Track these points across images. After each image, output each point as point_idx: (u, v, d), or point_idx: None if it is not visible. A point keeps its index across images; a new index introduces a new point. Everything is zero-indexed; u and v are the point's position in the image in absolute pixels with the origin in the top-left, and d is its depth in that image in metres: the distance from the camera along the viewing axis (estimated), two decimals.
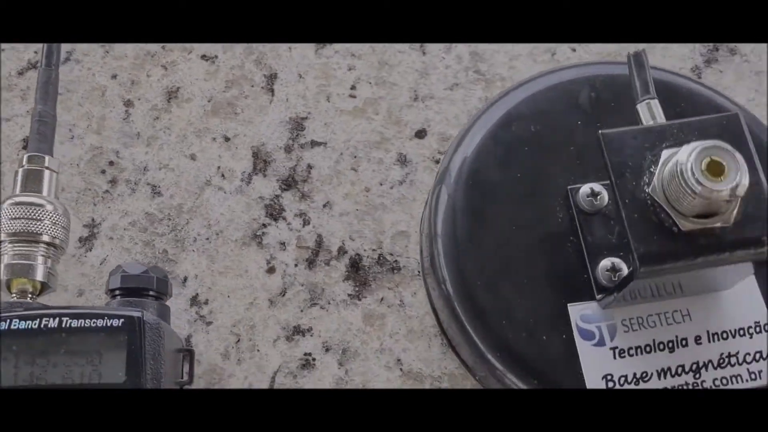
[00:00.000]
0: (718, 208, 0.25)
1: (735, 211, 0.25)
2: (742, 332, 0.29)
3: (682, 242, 0.25)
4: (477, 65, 0.36)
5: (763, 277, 0.30)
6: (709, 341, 0.29)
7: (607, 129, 0.26)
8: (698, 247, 0.25)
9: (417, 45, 0.37)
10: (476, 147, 0.32)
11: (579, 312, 0.29)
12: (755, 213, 0.25)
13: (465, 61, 0.36)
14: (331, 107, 0.35)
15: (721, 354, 0.29)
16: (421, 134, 0.35)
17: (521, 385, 0.29)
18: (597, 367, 0.29)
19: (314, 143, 0.35)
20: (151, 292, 0.30)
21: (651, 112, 0.28)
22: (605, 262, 0.29)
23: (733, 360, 0.29)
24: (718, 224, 0.25)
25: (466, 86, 0.36)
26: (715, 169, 0.24)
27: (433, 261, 0.31)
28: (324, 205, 0.34)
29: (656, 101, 0.28)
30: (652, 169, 0.25)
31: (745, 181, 0.24)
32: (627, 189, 0.25)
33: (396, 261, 0.33)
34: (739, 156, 0.24)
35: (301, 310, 0.32)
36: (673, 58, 0.37)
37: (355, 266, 0.33)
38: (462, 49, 0.37)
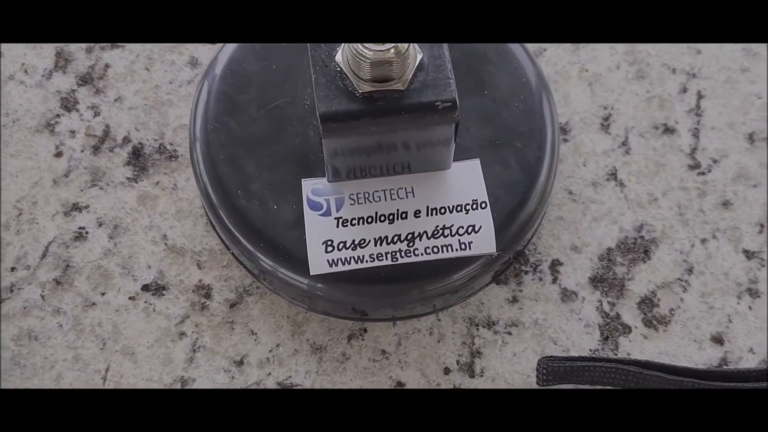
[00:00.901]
0: (390, 72, 0.27)
1: (410, 77, 0.28)
2: (459, 208, 0.32)
3: (360, 103, 0.28)
4: None
5: (488, 161, 0.33)
6: (428, 215, 0.32)
7: None
8: (376, 107, 0.28)
9: None
10: (239, 45, 0.35)
11: (311, 186, 0.32)
12: (434, 82, 0.28)
13: None
14: None
15: (437, 226, 0.32)
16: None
17: (254, 250, 0.32)
18: (320, 234, 0.32)
19: (114, 46, 0.38)
20: None
21: None
22: None
23: (447, 232, 0.32)
24: (395, 87, 0.28)
25: None
26: None
27: (190, 145, 0.34)
28: (115, 100, 0.37)
29: None
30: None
31: (401, 44, 0.27)
32: (320, 59, 0.28)
33: (175, 150, 0.36)
34: None
35: (81, 190, 0.35)
36: None
37: (137, 153, 0.36)
38: None
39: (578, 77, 0.38)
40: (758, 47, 0.39)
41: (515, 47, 0.35)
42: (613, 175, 0.37)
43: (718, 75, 0.38)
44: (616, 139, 0.37)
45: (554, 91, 0.38)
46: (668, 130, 0.37)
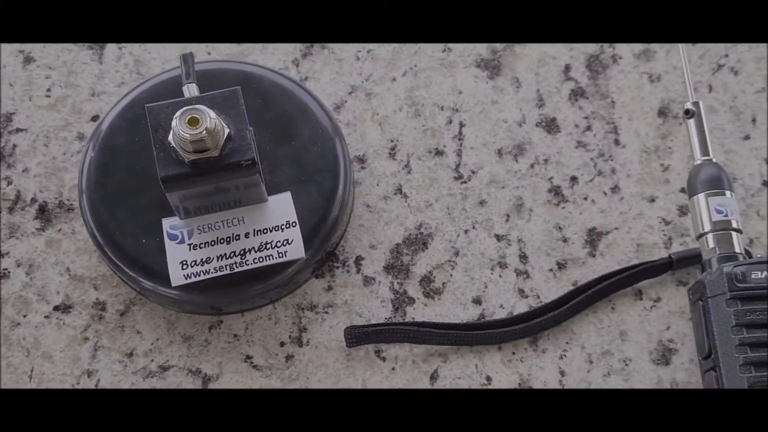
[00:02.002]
0: (206, 145, 0.40)
1: (222, 146, 0.41)
2: (276, 228, 0.45)
3: (188, 167, 0.41)
4: (138, 69, 0.52)
5: (297, 192, 0.46)
6: (254, 235, 0.45)
7: (153, 103, 0.42)
8: (198, 170, 0.41)
9: (97, 56, 0.52)
10: (112, 120, 0.47)
11: (169, 223, 0.45)
12: (239, 148, 0.41)
13: (130, 66, 0.52)
14: (32, 104, 0.51)
15: (261, 243, 0.45)
16: (95, 118, 0.50)
17: (133, 274, 0.45)
18: (177, 257, 0.44)
19: (18, 130, 0.50)
20: None
21: (189, 91, 0.43)
22: None
23: (269, 246, 0.45)
24: (212, 155, 0.41)
25: (129, 83, 0.51)
26: (193, 121, 0.40)
27: (79, 199, 0.46)
28: (23, 171, 0.49)
29: (194, 85, 0.44)
30: (173, 126, 0.41)
31: (210, 126, 0.40)
32: (159, 139, 0.41)
33: (71, 204, 0.49)
34: (210, 112, 0.40)
35: (2, 242, 0.47)
36: (279, 53, 0.53)
37: (42, 209, 0.48)
38: (128, 57, 0.52)
39: (371, 120, 0.52)
40: (504, 83, 0.53)
41: (315, 106, 0.48)
42: (399, 190, 0.50)
43: (475, 108, 0.52)
44: (400, 163, 0.51)
45: (353, 132, 0.51)
46: (439, 153, 0.51)
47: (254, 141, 0.42)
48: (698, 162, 0.46)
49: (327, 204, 0.46)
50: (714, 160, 0.46)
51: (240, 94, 0.42)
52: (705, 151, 0.47)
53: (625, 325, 0.47)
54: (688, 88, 0.48)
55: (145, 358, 0.46)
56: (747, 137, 0.51)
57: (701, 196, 0.45)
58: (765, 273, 0.43)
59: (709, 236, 0.45)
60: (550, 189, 0.50)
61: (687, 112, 0.47)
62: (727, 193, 0.45)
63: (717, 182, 0.45)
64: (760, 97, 0.52)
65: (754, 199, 0.50)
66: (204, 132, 0.40)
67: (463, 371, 0.46)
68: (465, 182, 0.50)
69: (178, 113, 0.39)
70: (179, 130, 0.40)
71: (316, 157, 0.47)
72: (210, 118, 0.40)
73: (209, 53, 0.53)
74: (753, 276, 0.43)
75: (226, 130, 0.41)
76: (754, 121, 0.52)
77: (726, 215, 0.45)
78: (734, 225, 0.45)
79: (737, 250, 0.44)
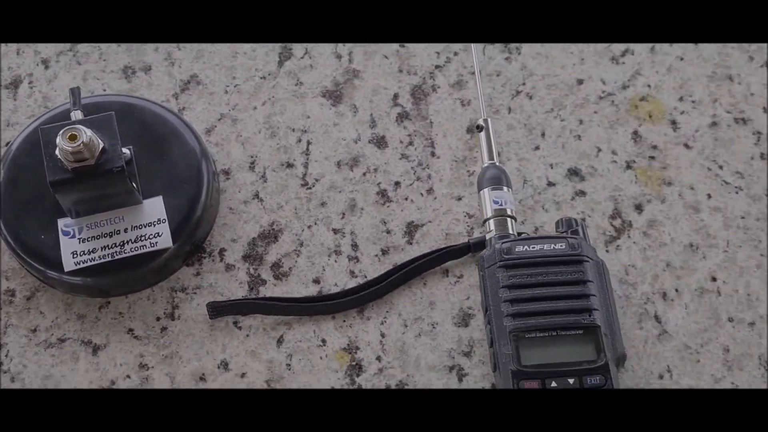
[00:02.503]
0: (84, 156, 0.52)
1: (98, 156, 0.53)
2: (149, 224, 0.57)
3: (71, 174, 0.52)
4: (46, 103, 0.64)
5: (167, 196, 0.58)
6: (131, 230, 0.57)
7: (45, 126, 0.54)
8: (80, 175, 0.53)
9: (12, 94, 0.64)
10: (19, 143, 0.59)
11: (63, 222, 0.57)
12: (112, 157, 0.53)
13: (39, 101, 0.64)
14: None
15: (137, 236, 0.57)
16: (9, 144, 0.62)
17: (36, 265, 0.56)
18: (69, 249, 0.56)
19: None
20: None
21: (74, 116, 0.55)
22: None
23: (143, 238, 0.57)
24: (89, 163, 0.53)
25: (37, 114, 0.63)
26: (73, 137, 0.51)
27: None
28: None
29: (79, 111, 0.56)
30: (57, 141, 0.53)
31: (86, 141, 0.52)
32: (49, 153, 0.53)
33: None
34: (86, 130, 0.52)
35: None
36: (162, 89, 0.65)
37: None
38: (38, 95, 0.64)
39: (235, 140, 0.64)
40: (344, 109, 0.65)
41: (185, 130, 0.61)
42: (256, 195, 0.62)
43: (319, 129, 0.65)
44: (258, 174, 0.63)
45: (221, 151, 0.63)
46: (289, 165, 0.63)
47: (133, 156, 0.55)
48: (485, 165, 0.59)
49: (192, 206, 0.58)
50: (497, 164, 0.59)
51: (113, 118, 0.54)
52: (491, 156, 0.60)
53: (434, 296, 0.60)
54: (482, 108, 0.61)
55: (46, 333, 0.57)
56: (537, 148, 0.65)
57: (485, 191, 0.58)
58: (526, 247, 0.55)
59: (491, 221, 0.58)
60: (378, 192, 0.63)
61: (478, 127, 0.61)
62: (505, 188, 0.58)
63: (497, 180, 0.59)
64: (549, 116, 0.66)
65: (540, 196, 0.63)
66: (81, 145, 0.52)
67: (304, 336, 0.58)
68: (310, 188, 0.63)
69: (61, 132, 0.51)
70: (62, 144, 0.51)
71: (184, 170, 0.59)
72: (86, 134, 0.52)
73: (104, 90, 0.65)
74: (517, 249, 0.55)
75: (101, 145, 0.53)
76: (543, 135, 0.65)
77: (502, 205, 0.58)
78: (509, 212, 0.58)
79: (510, 231, 0.57)
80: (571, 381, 0.52)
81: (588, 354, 0.53)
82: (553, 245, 0.56)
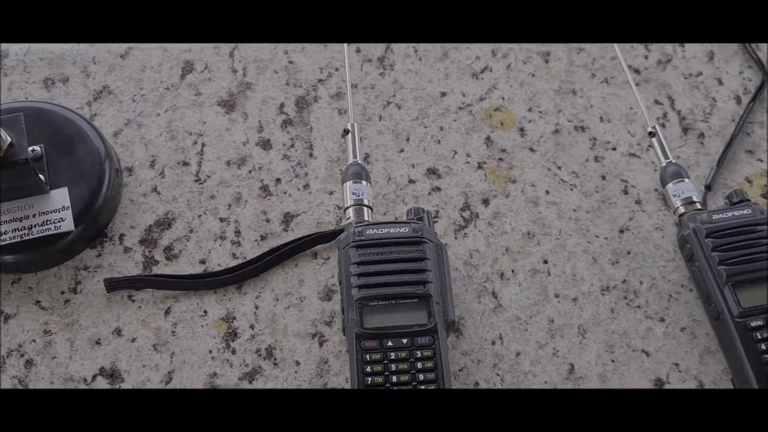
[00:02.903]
0: None
1: (5, 150, 0.62)
2: (55, 211, 0.66)
3: None
4: None
5: (72, 188, 0.67)
6: (39, 215, 0.66)
7: None
8: None
9: None
10: None
11: None
12: (17, 151, 0.63)
13: None
14: None
15: (43, 220, 0.66)
16: None
17: None
18: None
19: None
20: None
21: None
22: None
23: (49, 222, 0.66)
24: None
25: None
26: None
27: None
28: None
29: None
30: None
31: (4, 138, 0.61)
32: None
33: None
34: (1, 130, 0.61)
35: None
36: (77, 98, 0.75)
37: None
38: None
39: (139, 142, 0.74)
40: (236, 116, 0.75)
41: (92, 132, 0.70)
42: (154, 189, 0.72)
43: (214, 133, 0.75)
44: (157, 171, 0.73)
45: (125, 151, 0.73)
46: (186, 164, 0.73)
47: (44, 153, 0.65)
48: (349, 162, 0.69)
49: (93, 196, 0.68)
50: (359, 162, 0.69)
51: (21, 118, 0.64)
52: (354, 155, 0.70)
53: (304, 275, 0.69)
54: (350, 115, 0.71)
55: None
56: (402, 150, 0.75)
57: (347, 184, 0.68)
58: (376, 230, 0.65)
59: (350, 209, 0.67)
60: (261, 187, 0.73)
61: (345, 130, 0.71)
62: (364, 182, 0.68)
63: (358, 175, 0.68)
64: (414, 123, 0.76)
65: (402, 192, 0.73)
66: None
67: (188, 308, 0.67)
68: (202, 183, 0.73)
69: None
70: None
71: (88, 166, 0.69)
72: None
73: (26, 98, 0.75)
74: (368, 232, 0.65)
75: (8, 140, 0.63)
76: (407, 139, 0.75)
77: (359, 196, 0.68)
78: (366, 203, 0.68)
79: (366, 218, 0.67)
80: (404, 341, 0.61)
81: (420, 319, 0.62)
82: (398, 229, 0.65)
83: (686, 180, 0.69)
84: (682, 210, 0.68)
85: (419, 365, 0.60)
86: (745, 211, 0.66)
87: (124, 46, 0.79)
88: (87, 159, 0.69)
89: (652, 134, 0.71)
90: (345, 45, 0.76)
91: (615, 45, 0.77)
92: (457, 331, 0.67)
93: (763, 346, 0.61)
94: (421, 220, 0.67)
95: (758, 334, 0.62)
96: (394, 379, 0.60)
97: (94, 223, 0.68)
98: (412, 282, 0.63)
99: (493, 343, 0.67)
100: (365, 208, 0.67)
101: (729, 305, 0.63)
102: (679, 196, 0.68)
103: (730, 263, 0.64)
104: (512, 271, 0.70)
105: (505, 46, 0.80)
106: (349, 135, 0.70)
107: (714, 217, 0.66)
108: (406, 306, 0.63)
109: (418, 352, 0.61)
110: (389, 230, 0.65)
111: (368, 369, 0.60)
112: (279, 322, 0.67)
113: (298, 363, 0.65)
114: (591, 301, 0.68)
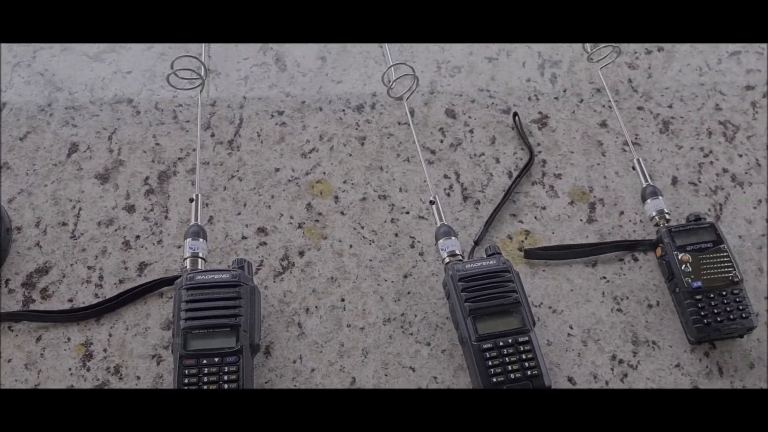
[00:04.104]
0: None
1: None
2: None
3: None
4: None
5: None
6: None
7: None
8: None
9: None
10: None
11: None
12: None
13: None
14: None
15: None
16: None
17: None
18: None
19: None
20: None
21: None
22: None
23: None
24: None
25: None
26: None
27: None
28: None
29: None
30: None
31: None
32: None
33: None
34: None
35: None
36: None
37: None
38: None
39: (29, 207, 0.93)
40: (110, 186, 0.95)
41: None
42: (37, 244, 0.91)
43: (90, 200, 0.94)
44: (41, 230, 0.92)
45: (17, 214, 0.92)
46: (64, 224, 0.92)
47: None
48: (192, 223, 0.89)
49: None
50: (198, 224, 0.89)
51: None
52: (196, 218, 0.89)
53: (150, 310, 0.88)
54: (197, 187, 0.91)
55: None
56: (239, 213, 0.95)
57: (187, 240, 0.87)
58: (203, 276, 0.84)
59: (187, 260, 0.86)
60: (123, 242, 0.92)
61: (191, 199, 0.90)
62: (200, 240, 0.88)
63: (196, 234, 0.88)
64: (251, 192, 0.96)
65: (236, 246, 0.93)
66: None
67: (56, 336, 0.86)
68: (76, 239, 0.92)
69: None
70: None
71: None
72: None
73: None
74: (197, 278, 0.84)
75: None
76: (245, 205, 0.95)
77: (195, 250, 0.87)
78: (200, 255, 0.87)
79: (199, 267, 0.86)
80: (216, 360, 0.80)
81: (230, 343, 0.81)
82: (221, 275, 0.85)
83: (453, 238, 0.89)
84: (447, 260, 0.88)
85: (225, 377, 0.79)
86: (492, 262, 0.87)
87: (24, 129, 0.99)
88: None
89: (432, 202, 0.92)
90: (199, 130, 0.96)
91: (413, 131, 0.98)
92: (267, 352, 0.86)
93: (490, 363, 0.81)
94: (242, 269, 0.87)
95: (488, 354, 0.81)
96: (206, 387, 0.78)
97: None
98: (226, 315, 0.82)
99: (294, 361, 0.85)
100: (199, 260, 0.87)
101: (470, 332, 0.82)
102: (446, 249, 0.89)
103: (471, 301, 0.84)
104: (316, 307, 0.89)
105: (330, 132, 1.02)
106: (194, 203, 0.90)
107: (467, 266, 0.86)
108: (220, 333, 0.81)
109: (226, 368, 0.80)
110: (213, 276, 0.84)
111: (186, 381, 0.78)
112: (127, 347, 0.85)
113: (138, 377, 0.83)
114: (375, 330, 0.87)
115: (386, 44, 1.07)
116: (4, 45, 1.05)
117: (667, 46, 1.12)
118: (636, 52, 1.11)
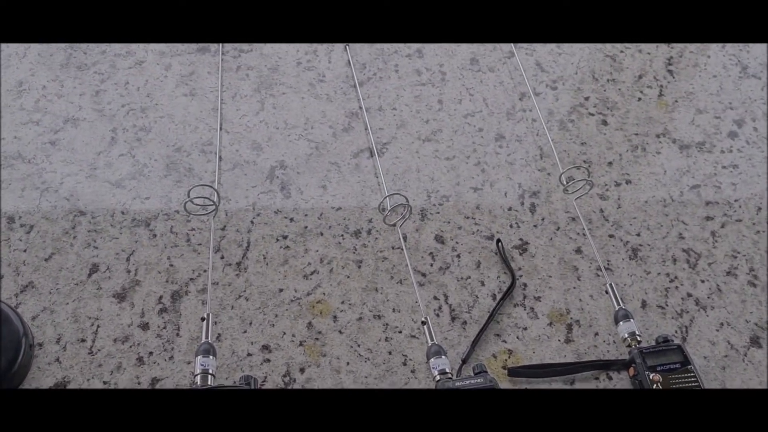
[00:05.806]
0: None
1: None
2: None
3: None
4: None
5: None
6: None
7: None
8: None
9: None
10: None
11: None
12: None
13: None
14: None
15: None
16: None
17: None
18: None
19: None
20: None
21: None
22: None
23: None
24: None
25: None
26: None
27: None
28: None
29: None
30: None
31: None
32: None
33: None
34: None
35: None
36: (7, 290, 1.02)
37: None
38: None
39: (50, 324, 1.01)
40: (127, 305, 1.03)
41: (14, 317, 0.97)
42: (57, 359, 0.98)
43: (107, 318, 1.02)
44: (61, 346, 0.99)
45: (39, 330, 1.00)
46: (83, 341, 1.00)
47: None
48: (202, 341, 0.97)
49: (10, 365, 0.94)
50: (209, 341, 0.97)
51: None
52: (207, 336, 0.97)
53: None
54: (208, 307, 1.00)
55: None
56: (245, 331, 1.03)
57: (198, 357, 0.95)
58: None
59: (198, 377, 0.94)
60: (137, 358, 0.99)
61: (202, 318, 0.98)
62: (210, 357, 0.96)
63: (206, 351, 0.96)
64: (256, 312, 1.04)
65: (242, 362, 1.00)
66: None
67: None
68: (93, 355, 0.99)
69: None
70: None
71: (8, 342, 0.95)
72: None
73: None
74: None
75: None
76: (250, 323, 1.03)
77: (205, 367, 0.95)
78: (210, 371, 0.94)
79: (209, 383, 0.94)
80: None
81: None
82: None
83: (443, 357, 0.97)
84: (438, 378, 0.96)
85: None
86: (478, 380, 0.95)
87: (49, 251, 1.07)
88: (8, 337, 0.96)
89: (423, 323, 1.00)
90: (210, 253, 1.05)
91: (406, 255, 1.08)
92: None
93: None
94: (248, 385, 0.94)
95: None
96: None
97: (9, 384, 0.94)
98: None
99: None
100: (209, 376, 0.94)
101: None
102: (437, 368, 0.97)
103: None
104: None
105: (330, 255, 1.11)
106: (205, 321, 0.98)
107: (457, 384, 0.94)
108: None
109: None
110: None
111: None
112: None
113: None
114: None
115: (382, 175, 1.18)
116: (34, 169, 1.15)
117: (633, 180, 1.23)
118: (606, 185, 1.23)
